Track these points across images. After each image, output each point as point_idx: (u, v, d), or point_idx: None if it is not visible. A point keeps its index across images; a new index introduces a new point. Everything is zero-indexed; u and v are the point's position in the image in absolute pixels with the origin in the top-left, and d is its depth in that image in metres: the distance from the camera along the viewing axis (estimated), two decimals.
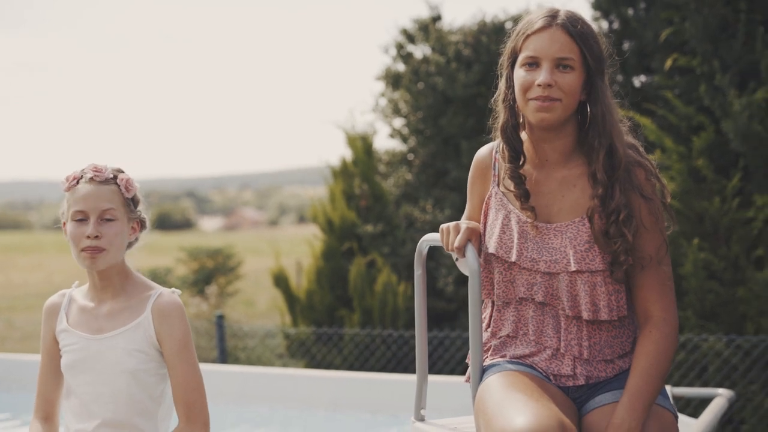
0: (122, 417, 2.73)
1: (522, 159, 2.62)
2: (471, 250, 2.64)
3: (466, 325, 7.45)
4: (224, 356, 7.07)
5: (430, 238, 2.91)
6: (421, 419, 3.02)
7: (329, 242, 8.05)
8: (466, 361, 2.74)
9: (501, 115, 2.67)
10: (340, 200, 8.08)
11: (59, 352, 2.86)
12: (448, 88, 7.99)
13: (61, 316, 2.86)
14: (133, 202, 2.81)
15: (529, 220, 2.61)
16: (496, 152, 2.74)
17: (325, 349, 7.61)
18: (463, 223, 2.69)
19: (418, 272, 3.00)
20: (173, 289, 2.85)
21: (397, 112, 8.53)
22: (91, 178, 2.75)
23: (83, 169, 2.80)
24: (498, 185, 2.71)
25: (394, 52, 8.60)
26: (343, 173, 8.29)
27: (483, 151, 2.79)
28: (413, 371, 7.08)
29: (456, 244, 2.65)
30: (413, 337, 7.34)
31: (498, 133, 2.69)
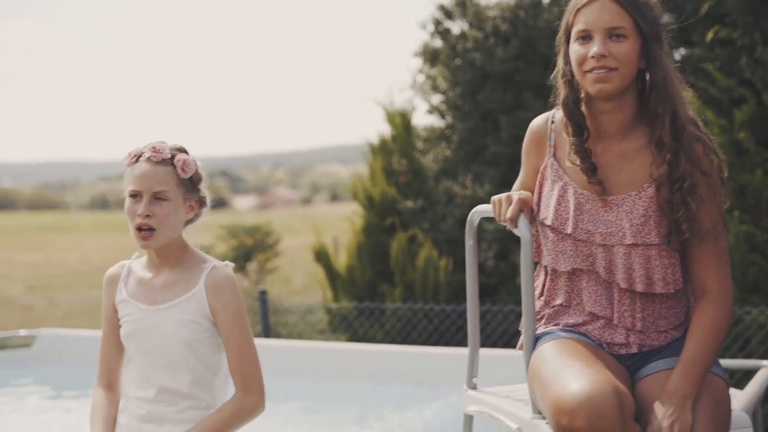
0: (179, 385, 2.80)
1: (586, 133, 2.64)
2: (523, 221, 2.67)
3: (506, 299, 7.48)
4: (267, 331, 7.16)
5: (482, 210, 2.95)
6: (473, 387, 3.06)
7: (369, 218, 8.10)
8: (519, 328, 2.78)
9: (561, 91, 2.68)
10: (380, 176, 8.13)
11: (119, 321, 2.94)
12: (486, 64, 7.99)
13: (120, 287, 2.92)
14: (192, 182, 2.84)
15: (586, 192, 2.63)
16: (552, 122, 2.76)
17: (367, 324, 7.68)
18: (515, 194, 2.73)
19: (470, 243, 3.04)
20: (226, 262, 2.90)
21: (435, 88, 8.55)
22: (149, 158, 2.79)
23: (144, 147, 2.85)
24: (553, 156, 2.74)
25: (431, 28, 8.61)
26: (382, 150, 8.33)
27: (538, 120, 2.82)
28: (455, 344, 7.18)
29: (508, 215, 2.69)
30: (455, 311, 7.39)
31: (561, 109, 2.70)
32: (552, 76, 2.74)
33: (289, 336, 8.07)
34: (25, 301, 15.69)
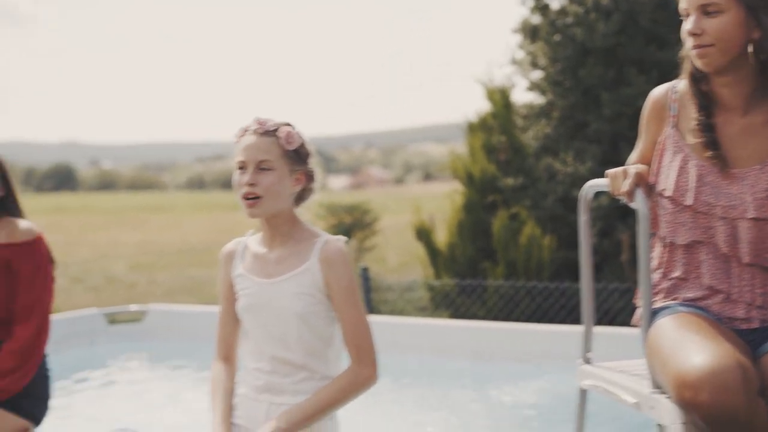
0: (294, 357, 2.85)
1: (710, 107, 2.62)
2: (640, 195, 2.66)
3: (609, 276, 7.42)
4: (370, 308, 7.22)
5: (596, 184, 2.93)
6: (588, 362, 3.06)
7: (470, 195, 8.09)
8: (634, 301, 2.77)
9: (685, 64, 2.67)
10: (480, 154, 8.11)
11: (235, 296, 3.01)
12: (587, 39, 7.89)
13: (236, 262, 3.00)
14: (298, 154, 2.89)
15: (708, 164, 2.61)
16: (674, 92, 2.74)
17: (469, 301, 7.69)
18: (632, 167, 2.71)
19: (583, 218, 3.03)
20: (339, 236, 2.95)
21: (534, 64, 8.48)
22: (254, 130, 2.87)
23: (251, 121, 2.93)
24: (675, 126, 2.72)
25: (531, 3, 8.53)
26: (481, 127, 8.30)
27: (659, 90, 2.80)
28: (559, 322, 7.14)
29: (625, 188, 2.68)
30: (558, 288, 7.35)
31: (684, 81, 2.69)
32: (680, 53, 2.72)
33: (390, 314, 8.14)
34: (128, 279, 16.11)
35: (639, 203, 2.65)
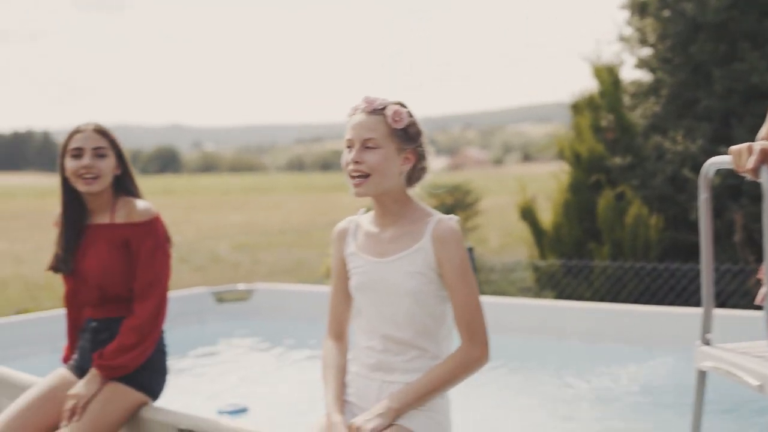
0: (405, 336, 2.85)
1: None
2: (765, 172, 2.57)
3: (721, 257, 7.23)
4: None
5: (718, 161, 2.85)
6: (707, 343, 2.98)
7: (576, 175, 7.97)
8: (758, 276, 2.68)
9: None
10: (587, 133, 7.97)
11: (347, 274, 3.02)
12: (698, 14, 7.68)
13: (348, 241, 3.01)
14: (407, 133, 2.87)
15: None
16: None
17: (575, 282, 7.59)
18: (757, 144, 2.62)
19: (704, 196, 2.95)
20: (451, 215, 2.93)
21: (643, 41, 8.28)
22: (363, 109, 2.87)
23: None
24: None
25: None
26: (588, 106, 8.16)
27: None
28: (667, 304, 7.00)
29: (750, 165, 2.59)
30: (666, 269, 7.20)
31: None
32: None
33: (492, 294, 8.09)
34: (232, 259, 16.38)
35: (764, 180, 2.56)
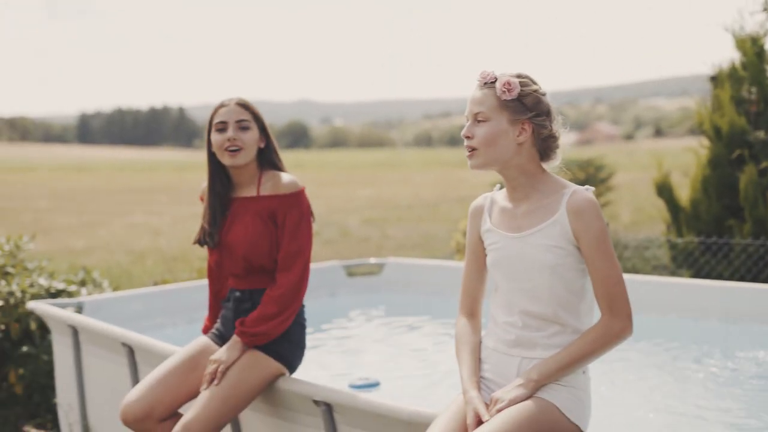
0: (545, 311, 2.82)
1: None
2: None
3: None
4: None
5: None
6: None
7: (716, 150, 7.70)
8: None
9: None
10: (728, 106, 7.68)
11: (484, 251, 3.00)
12: None
13: (484, 217, 2.99)
14: (521, 104, 2.83)
15: None
16: None
17: (713, 261, 7.36)
18: None
19: None
20: (586, 186, 2.87)
21: None
22: (478, 83, 2.89)
23: None
24: None
25: None
26: (730, 78, 7.86)
27: None
28: None
29: None
30: None
31: None
32: None
33: (624, 271, 7.93)
34: (361, 233, 16.54)
35: None
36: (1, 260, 6.16)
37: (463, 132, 2.88)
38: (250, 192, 3.75)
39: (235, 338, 3.62)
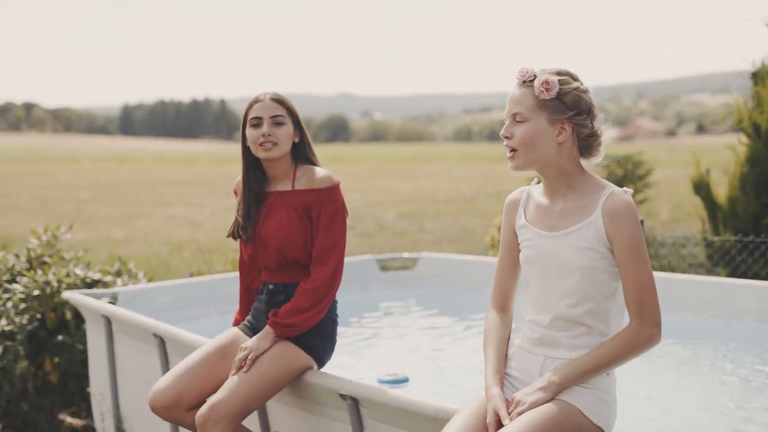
0: (574, 312, 2.78)
1: None
2: None
3: None
4: None
5: None
6: None
7: (755, 148, 7.60)
8: None
9: None
10: None
11: (518, 246, 2.97)
12: None
13: (519, 212, 2.96)
14: (561, 103, 2.78)
15: None
16: None
17: (750, 259, 7.27)
18: None
19: None
20: (625, 188, 2.83)
21: None
22: (516, 81, 2.84)
23: None
24: None
25: None
26: None
27: None
28: None
29: None
30: None
31: None
32: None
33: (660, 269, 7.85)
34: (398, 227, 16.54)
35: None
36: (39, 250, 6.25)
37: (502, 132, 2.84)
38: (284, 186, 3.77)
39: (267, 328, 3.66)
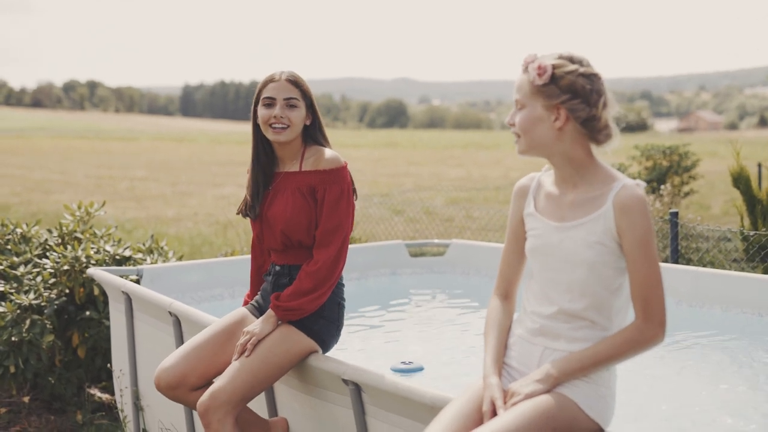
0: (577, 307, 2.72)
1: None
2: None
3: None
4: (676, 256, 6.84)
5: None
6: None
7: None
8: None
9: None
10: None
11: (524, 234, 2.91)
12: None
13: (529, 200, 2.90)
14: (557, 88, 2.69)
15: None
16: None
17: None
18: None
19: None
20: (638, 181, 2.73)
21: None
22: (521, 68, 2.79)
23: None
24: None
25: None
26: None
27: None
28: None
29: None
30: None
31: None
32: None
33: (700, 263, 7.71)
34: (445, 213, 16.47)
35: None
36: (72, 226, 6.31)
37: (506, 119, 2.81)
38: (293, 167, 3.75)
39: (269, 312, 3.63)
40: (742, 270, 7.35)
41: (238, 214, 3.89)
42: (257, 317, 3.78)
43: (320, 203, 3.65)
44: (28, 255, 6.02)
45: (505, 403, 2.69)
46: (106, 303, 5.92)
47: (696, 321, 5.40)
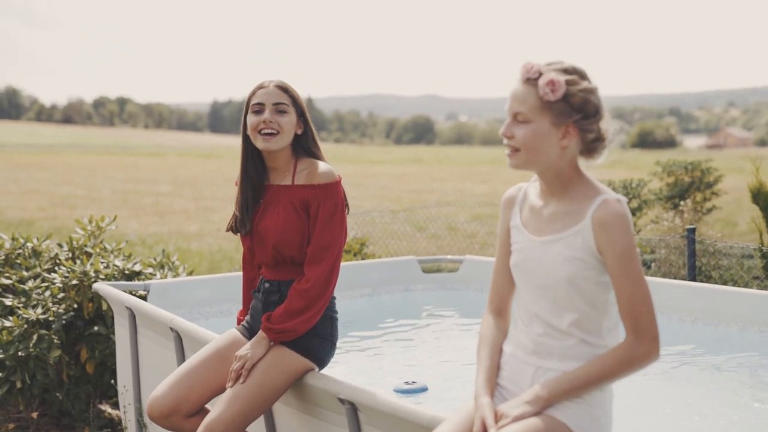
0: (563, 322, 2.64)
1: None
2: None
3: None
4: (693, 273, 6.72)
5: None
6: None
7: None
8: None
9: None
10: None
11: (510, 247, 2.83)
12: None
13: (515, 211, 2.81)
14: (568, 105, 2.57)
15: None
16: None
17: None
18: None
19: None
20: (619, 196, 2.62)
21: None
22: (519, 77, 2.64)
23: None
24: None
25: None
26: None
27: None
28: None
29: None
30: None
31: None
32: None
33: (720, 280, 7.58)
34: (468, 229, 16.36)
35: None
36: (83, 240, 6.29)
37: (501, 131, 2.66)
38: (284, 180, 3.63)
39: (261, 334, 3.52)
40: (764, 288, 7.21)
41: (227, 231, 3.76)
42: (248, 339, 3.66)
43: (313, 218, 3.53)
44: (38, 269, 6.00)
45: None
46: (114, 318, 5.89)
47: (709, 337, 5.29)
